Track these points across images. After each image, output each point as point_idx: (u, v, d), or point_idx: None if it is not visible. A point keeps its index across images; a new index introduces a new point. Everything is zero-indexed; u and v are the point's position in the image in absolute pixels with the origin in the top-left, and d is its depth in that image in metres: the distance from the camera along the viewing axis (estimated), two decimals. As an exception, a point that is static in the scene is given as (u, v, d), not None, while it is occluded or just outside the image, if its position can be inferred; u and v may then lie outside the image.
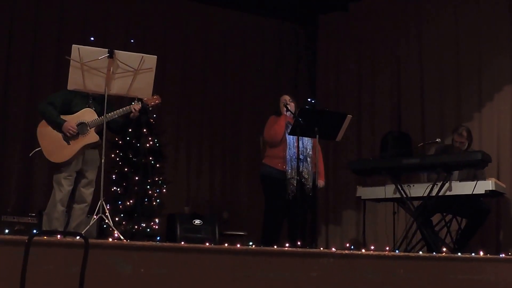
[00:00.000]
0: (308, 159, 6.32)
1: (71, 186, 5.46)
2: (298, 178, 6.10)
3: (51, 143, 5.41)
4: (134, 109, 5.46)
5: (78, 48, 5.11)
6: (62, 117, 5.43)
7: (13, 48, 8.41)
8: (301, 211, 5.97)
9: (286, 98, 6.52)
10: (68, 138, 5.40)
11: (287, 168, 6.28)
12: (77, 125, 5.41)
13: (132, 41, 8.49)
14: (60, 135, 5.41)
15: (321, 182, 6.51)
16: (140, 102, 5.56)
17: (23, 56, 8.46)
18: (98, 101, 5.52)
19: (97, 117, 5.43)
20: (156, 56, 5.34)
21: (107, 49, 5.18)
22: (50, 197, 5.48)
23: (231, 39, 10.01)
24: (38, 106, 5.59)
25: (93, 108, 5.50)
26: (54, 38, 8.59)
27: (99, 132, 5.49)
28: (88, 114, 5.47)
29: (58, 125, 5.40)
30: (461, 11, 8.36)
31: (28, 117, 7.93)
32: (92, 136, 5.45)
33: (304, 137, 6.24)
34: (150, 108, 5.75)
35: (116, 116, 5.45)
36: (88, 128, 5.43)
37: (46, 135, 5.43)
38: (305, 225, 6.38)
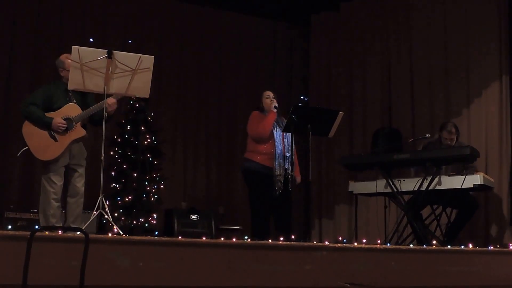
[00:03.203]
0: (292, 156, 6.19)
1: (61, 181, 5.49)
2: (287, 174, 6.12)
3: (39, 142, 5.41)
4: (108, 103, 5.37)
5: (78, 49, 5.14)
6: (47, 114, 5.42)
7: (14, 49, 8.54)
8: (287, 206, 5.97)
9: (270, 94, 6.39)
10: (55, 135, 5.41)
11: (275, 165, 6.14)
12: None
13: (130, 41, 8.56)
14: (46, 133, 5.42)
15: (298, 178, 6.40)
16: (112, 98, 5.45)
17: (24, 57, 8.58)
18: (78, 93, 5.50)
19: (81, 112, 5.45)
20: (153, 56, 5.39)
21: (106, 50, 5.22)
22: (41, 196, 5.50)
23: (226, 39, 10.10)
24: (21, 109, 5.50)
25: (74, 101, 5.51)
26: (54, 40, 8.68)
27: (83, 126, 5.53)
28: (72, 109, 5.48)
29: (46, 124, 5.40)
30: (450, 10, 8.41)
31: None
32: (79, 131, 5.50)
33: (287, 135, 6.17)
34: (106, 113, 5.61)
35: (95, 111, 5.42)
36: (74, 123, 5.46)
37: (33, 134, 5.42)
38: (290, 219, 6.31)
